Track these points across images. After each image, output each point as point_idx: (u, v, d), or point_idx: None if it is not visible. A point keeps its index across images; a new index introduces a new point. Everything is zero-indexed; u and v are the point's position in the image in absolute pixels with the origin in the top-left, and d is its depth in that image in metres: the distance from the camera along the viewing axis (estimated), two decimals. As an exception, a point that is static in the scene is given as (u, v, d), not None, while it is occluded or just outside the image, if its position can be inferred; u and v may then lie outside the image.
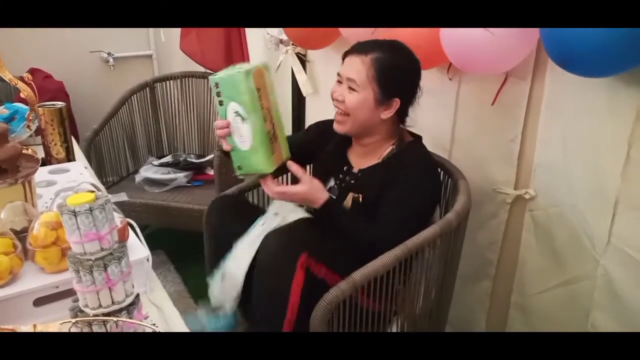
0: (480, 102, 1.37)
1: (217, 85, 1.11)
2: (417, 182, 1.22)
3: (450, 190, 1.38)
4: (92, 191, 0.86)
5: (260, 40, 2.09)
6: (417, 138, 1.32)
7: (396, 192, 1.21)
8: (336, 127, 1.27)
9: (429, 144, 1.38)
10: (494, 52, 1.15)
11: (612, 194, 1.11)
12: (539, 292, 1.37)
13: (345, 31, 1.56)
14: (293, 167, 1.20)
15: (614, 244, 1.14)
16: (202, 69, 2.39)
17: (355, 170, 1.32)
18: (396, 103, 1.22)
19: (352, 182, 1.31)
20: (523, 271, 1.40)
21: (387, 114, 1.22)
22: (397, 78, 1.21)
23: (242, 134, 1.12)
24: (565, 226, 1.26)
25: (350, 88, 1.21)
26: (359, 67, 1.19)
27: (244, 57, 2.19)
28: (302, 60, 2.01)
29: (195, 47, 2.32)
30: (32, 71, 2.31)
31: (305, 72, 2.01)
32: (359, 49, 1.21)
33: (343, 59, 1.25)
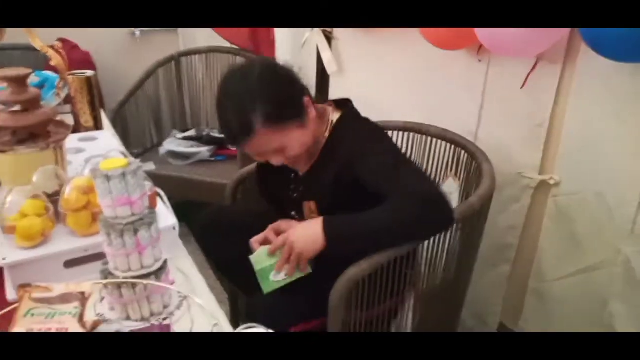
0: (509, 85, 1.35)
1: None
2: (376, 141, 1.12)
3: (474, 173, 1.37)
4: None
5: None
6: (343, 109, 1.18)
7: (373, 166, 1.05)
8: (295, 167, 1.18)
9: (454, 126, 1.37)
10: (526, 35, 1.13)
11: (637, 182, 1.09)
12: (557, 278, 1.37)
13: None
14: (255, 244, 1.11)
15: (637, 232, 1.13)
16: (227, 44, 2.39)
17: (300, 174, 1.21)
18: (307, 101, 1.09)
19: (301, 189, 1.20)
20: (542, 257, 1.40)
21: (312, 113, 1.10)
22: (289, 97, 1.07)
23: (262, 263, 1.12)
24: (588, 213, 1.25)
25: (278, 151, 1.08)
26: (262, 139, 1.03)
27: (268, 32, 2.19)
28: (328, 37, 2.00)
29: (222, 22, 2.32)
30: (60, 41, 2.33)
31: (331, 50, 2.00)
32: (241, 134, 1.03)
33: (233, 145, 1.15)
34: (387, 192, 1.00)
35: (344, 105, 1.19)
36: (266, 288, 1.09)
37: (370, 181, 1.04)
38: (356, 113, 1.19)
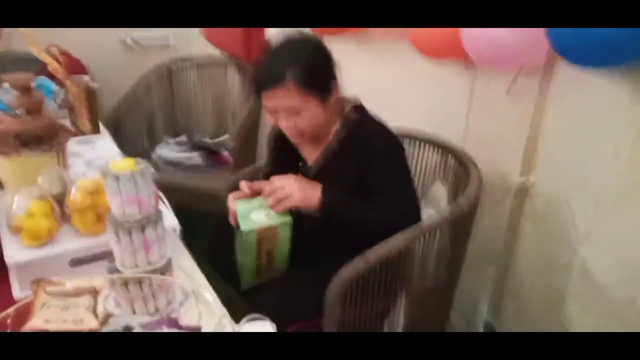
0: (495, 93, 1.41)
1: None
2: (389, 147, 1.21)
3: (461, 177, 1.42)
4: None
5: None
6: (360, 110, 1.26)
7: (379, 164, 1.17)
8: (295, 140, 1.23)
9: (443, 131, 1.42)
10: (509, 48, 1.20)
11: (597, 187, 1.17)
12: (529, 279, 1.44)
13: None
14: (249, 187, 1.17)
15: (594, 235, 1.20)
16: (219, 53, 2.43)
17: (310, 163, 1.29)
18: (334, 84, 1.18)
19: (310, 177, 1.26)
20: (518, 258, 1.47)
21: (334, 99, 1.19)
22: (322, 70, 1.16)
23: (237, 250, 1.19)
24: (557, 216, 1.32)
25: (293, 113, 1.14)
26: (289, 94, 1.11)
27: (260, 42, 2.23)
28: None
29: (215, 31, 2.36)
30: (51, 47, 2.35)
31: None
32: (273, 80, 1.12)
33: (259, 92, 1.16)
34: (380, 198, 1.14)
35: (359, 107, 1.26)
36: (244, 225, 1.09)
37: (372, 182, 1.16)
38: (370, 116, 1.26)
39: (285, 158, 1.33)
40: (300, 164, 1.31)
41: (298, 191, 1.11)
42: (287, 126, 1.17)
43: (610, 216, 1.17)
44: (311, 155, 1.29)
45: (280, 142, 1.33)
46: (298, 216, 1.19)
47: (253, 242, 1.12)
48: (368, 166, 1.17)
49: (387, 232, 1.13)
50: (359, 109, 1.26)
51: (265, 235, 1.12)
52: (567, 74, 1.21)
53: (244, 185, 1.19)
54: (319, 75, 1.15)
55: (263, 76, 1.15)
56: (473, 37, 1.24)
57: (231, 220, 1.18)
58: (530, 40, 1.16)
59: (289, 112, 1.14)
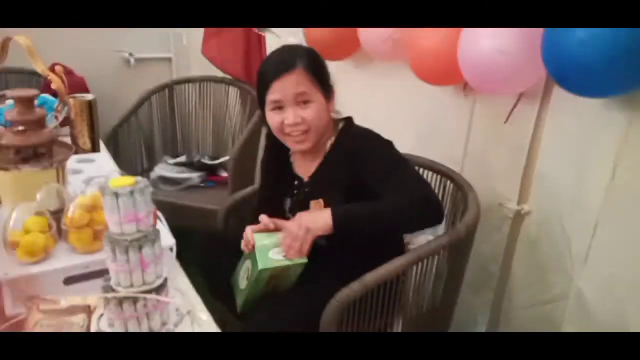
0: (493, 120, 1.43)
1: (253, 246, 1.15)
2: (377, 141, 1.22)
3: (459, 202, 1.42)
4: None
5: (280, 49, 2.15)
6: (348, 120, 1.28)
7: (373, 158, 1.17)
8: (298, 147, 1.22)
9: (441, 157, 1.43)
10: (507, 74, 1.21)
11: (594, 213, 1.17)
12: (522, 307, 1.43)
13: (365, 43, 1.62)
14: (269, 224, 1.17)
15: (591, 261, 1.20)
16: (220, 74, 2.45)
17: (305, 179, 1.30)
18: (333, 92, 1.24)
19: (308, 191, 1.28)
20: (514, 285, 1.46)
21: (332, 106, 1.23)
22: (324, 69, 1.22)
23: (243, 278, 1.19)
24: (552, 243, 1.32)
25: (303, 102, 1.16)
26: (300, 79, 1.15)
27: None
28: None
29: (216, 52, 2.39)
30: (55, 65, 2.37)
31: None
32: (284, 66, 1.15)
33: (268, 86, 1.17)
34: (386, 190, 1.12)
35: (346, 119, 1.29)
36: (263, 264, 1.10)
37: (371, 177, 1.15)
38: (357, 124, 1.29)
39: (279, 179, 1.33)
40: (295, 182, 1.31)
41: (307, 220, 1.11)
42: (294, 120, 1.16)
43: (607, 243, 1.16)
44: (306, 171, 1.29)
45: (273, 163, 1.34)
46: None
47: (265, 278, 1.13)
48: (363, 167, 1.17)
49: (410, 221, 1.13)
50: (347, 120, 1.28)
51: (278, 273, 1.13)
52: (564, 100, 1.22)
53: (266, 220, 1.18)
54: (324, 71, 1.21)
55: (274, 64, 1.18)
56: (470, 63, 1.26)
57: (244, 248, 1.18)
58: (527, 67, 1.18)
59: (298, 100, 1.16)
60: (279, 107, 1.18)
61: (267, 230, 1.17)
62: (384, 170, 1.15)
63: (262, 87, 1.19)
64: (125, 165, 2.30)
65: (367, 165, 1.16)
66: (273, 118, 1.20)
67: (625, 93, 1.04)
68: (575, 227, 1.24)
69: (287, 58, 1.17)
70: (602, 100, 1.13)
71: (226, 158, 2.20)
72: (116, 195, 0.79)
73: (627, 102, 1.07)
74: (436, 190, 1.51)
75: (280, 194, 1.33)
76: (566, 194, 1.26)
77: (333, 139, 1.25)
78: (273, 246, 1.13)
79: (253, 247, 1.14)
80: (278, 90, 1.16)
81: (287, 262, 1.11)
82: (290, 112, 1.16)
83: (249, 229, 1.18)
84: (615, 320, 1.15)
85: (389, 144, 1.23)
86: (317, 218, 1.11)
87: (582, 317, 1.23)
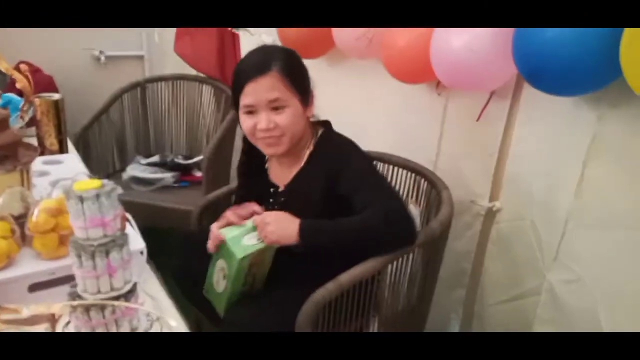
0: (466, 118, 1.44)
1: (221, 242, 1.14)
2: (357, 152, 1.21)
3: (433, 200, 1.43)
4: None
5: (253, 46, 2.12)
6: (326, 125, 1.27)
7: (350, 172, 1.15)
8: (271, 151, 1.19)
9: (415, 155, 1.43)
10: (479, 72, 1.22)
11: (564, 211, 1.19)
12: (494, 303, 1.45)
13: (339, 41, 1.62)
14: (233, 219, 1.17)
15: (560, 259, 1.22)
16: (193, 72, 2.42)
17: (281, 188, 1.27)
18: (312, 97, 1.20)
19: (283, 200, 1.26)
20: (485, 282, 1.48)
21: (310, 112, 1.20)
22: (302, 73, 1.19)
23: (219, 281, 1.17)
24: (523, 240, 1.33)
25: (275, 108, 1.13)
26: (273, 84, 1.11)
27: (236, 63, 2.23)
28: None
29: (189, 50, 2.36)
30: (21, 64, 2.30)
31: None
32: (258, 69, 1.12)
33: (242, 88, 1.14)
34: (360, 204, 1.10)
35: (325, 124, 1.27)
36: (242, 252, 1.09)
37: (347, 191, 1.13)
38: (336, 132, 1.27)
39: (255, 184, 1.31)
40: (271, 190, 1.29)
41: (275, 231, 1.10)
42: (266, 125, 1.13)
43: (578, 240, 1.18)
44: (282, 180, 1.27)
45: (249, 167, 1.32)
46: None
47: (246, 268, 1.12)
48: (339, 181, 1.15)
49: (381, 242, 1.11)
50: (326, 124, 1.27)
51: (257, 259, 1.13)
52: (534, 98, 1.23)
53: (231, 215, 1.17)
54: (301, 76, 1.17)
55: (248, 66, 1.15)
56: (442, 61, 1.26)
57: (210, 247, 1.16)
58: (499, 65, 1.19)
59: (271, 106, 1.13)
60: (251, 111, 1.15)
61: (231, 224, 1.16)
62: (360, 185, 1.13)
63: (236, 88, 1.16)
64: (97, 165, 2.25)
65: (343, 180, 1.14)
66: (246, 121, 1.17)
67: (593, 91, 1.06)
68: (546, 224, 1.26)
69: (262, 60, 1.13)
70: (572, 98, 1.15)
71: (200, 158, 2.17)
72: (81, 199, 0.76)
73: (597, 100, 1.09)
74: (410, 189, 1.51)
75: (256, 197, 1.30)
76: (537, 191, 1.28)
77: (311, 147, 1.22)
78: (244, 234, 1.13)
79: (221, 242, 1.13)
80: (251, 93, 1.12)
81: (262, 244, 1.11)
82: (263, 117, 1.13)
83: (214, 226, 1.17)
84: (586, 315, 1.17)
85: (366, 157, 1.22)
86: (285, 227, 1.10)
87: (555, 312, 1.25)
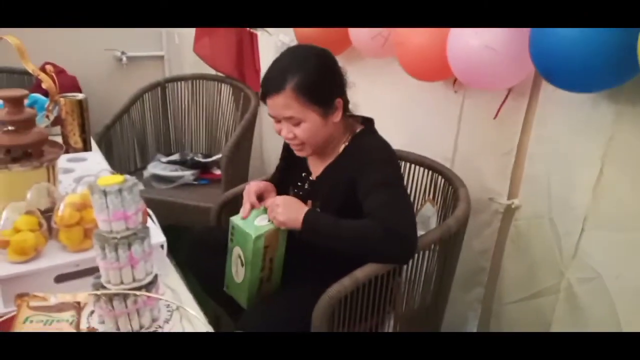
0: (483, 116, 1.43)
1: (232, 228, 1.20)
2: (384, 159, 1.20)
3: (450, 197, 1.43)
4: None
5: (271, 47, 2.15)
6: (367, 124, 1.28)
7: (367, 178, 1.15)
8: (298, 154, 1.25)
9: (432, 153, 1.43)
10: (496, 70, 1.22)
11: (582, 209, 1.18)
12: (512, 302, 1.44)
13: (355, 40, 1.63)
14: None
15: (579, 258, 1.21)
16: (212, 72, 2.46)
17: (312, 177, 1.31)
18: (339, 102, 1.19)
19: (309, 189, 1.30)
20: (503, 280, 1.47)
21: (337, 117, 1.20)
22: (325, 83, 1.17)
23: (238, 270, 1.21)
24: (541, 238, 1.33)
25: (293, 124, 1.17)
26: (287, 103, 1.13)
27: (254, 63, 2.26)
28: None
29: (208, 50, 2.39)
30: (46, 65, 2.37)
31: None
32: (273, 86, 1.14)
33: (264, 100, 1.19)
34: (366, 210, 1.12)
35: (367, 121, 1.29)
36: (254, 232, 1.14)
37: (360, 195, 1.15)
38: (374, 130, 1.28)
39: (293, 167, 1.35)
40: (303, 174, 1.32)
41: (284, 212, 1.14)
42: (286, 136, 1.19)
43: (596, 238, 1.18)
44: (317, 169, 1.30)
45: (291, 151, 1.33)
46: (290, 233, 1.21)
47: (261, 249, 1.16)
48: (357, 178, 1.16)
49: (373, 253, 1.11)
50: (366, 125, 1.28)
51: (270, 240, 1.17)
52: (552, 95, 1.23)
53: (248, 205, 1.22)
54: (320, 89, 1.15)
55: (267, 80, 1.17)
56: (459, 59, 1.27)
57: (246, 210, 1.21)
58: (516, 63, 1.19)
59: (288, 121, 1.16)
60: (275, 120, 1.20)
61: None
62: (371, 194, 1.13)
63: (262, 96, 1.20)
64: (119, 163, 2.30)
65: (359, 184, 1.16)
66: (275, 125, 1.21)
67: (611, 87, 1.05)
68: (564, 222, 1.25)
69: (276, 76, 1.15)
70: (590, 96, 1.14)
71: (219, 156, 2.20)
72: (104, 193, 0.79)
73: (615, 98, 1.08)
74: (427, 187, 1.52)
75: (289, 182, 1.34)
76: (555, 188, 1.27)
77: (347, 142, 1.24)
78: (255, 217, 1.19)
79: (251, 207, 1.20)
80: (271, 107, 1.17)
81: (273, 225, 1.16)
82: (284, 127, 1.18)
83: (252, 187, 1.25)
84: (605, 314, 1.16)
85: (390, 167, 1.20)
86: (294, 211, 1.15)
87: (573, 311, 1.24)
